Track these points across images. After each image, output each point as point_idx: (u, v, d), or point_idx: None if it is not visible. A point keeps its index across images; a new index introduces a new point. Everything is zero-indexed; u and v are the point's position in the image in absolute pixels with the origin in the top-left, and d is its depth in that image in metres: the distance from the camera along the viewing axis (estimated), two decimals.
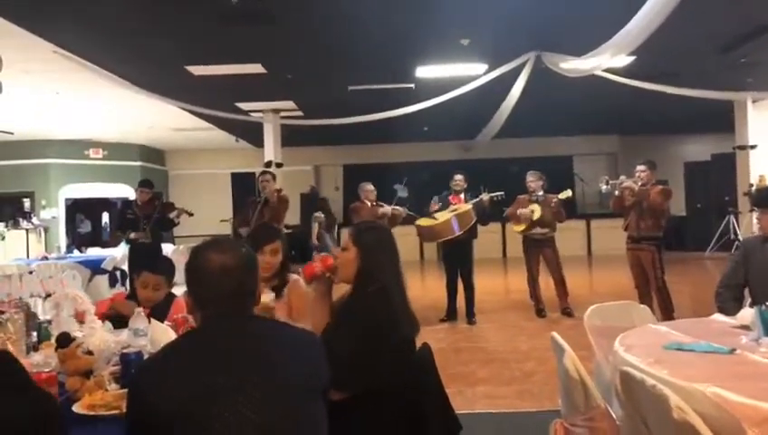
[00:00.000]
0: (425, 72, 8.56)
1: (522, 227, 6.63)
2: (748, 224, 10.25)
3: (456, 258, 6.40)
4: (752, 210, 2.53)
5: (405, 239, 8.31)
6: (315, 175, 15.55)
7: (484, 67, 8.37)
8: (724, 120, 11.34)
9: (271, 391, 1.31)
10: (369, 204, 6.67)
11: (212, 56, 7.04)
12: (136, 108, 9.48)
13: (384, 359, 1.93)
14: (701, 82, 8.61)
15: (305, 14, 5.82)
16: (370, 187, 6.77)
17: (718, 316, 2.52)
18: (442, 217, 6.26)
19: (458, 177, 6.54)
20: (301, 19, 5.96)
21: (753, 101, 10.93)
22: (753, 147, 11.03)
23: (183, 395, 1.26)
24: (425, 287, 9.46)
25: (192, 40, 6.47)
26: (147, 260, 3.20)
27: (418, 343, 2.16)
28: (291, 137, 11.23)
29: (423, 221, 6.47)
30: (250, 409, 1.26)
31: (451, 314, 6.43)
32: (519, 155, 13.60)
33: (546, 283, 6.79)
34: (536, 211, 6.47)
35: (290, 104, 10.17)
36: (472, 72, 8.45)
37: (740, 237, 10.63)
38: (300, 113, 10.73)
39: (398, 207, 6.76)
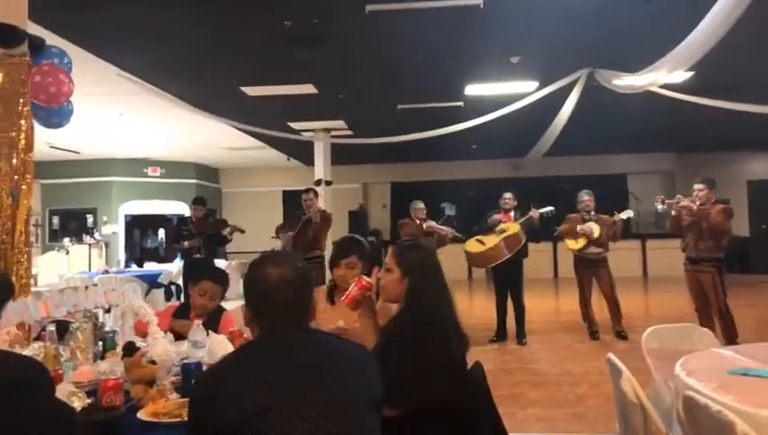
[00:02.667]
0: (474, 90, 8.56)
1: (578, 246, 6.48)
2: None
3: (506, 277, 6.32)
4: None
5: (453, 258, 8.29)
6: (363, 192, 15.70)
7: (535, 84, 8.30)
8: None
9: (329, 403, 1.33)
10: (417, 221, 6.69)
11: (266, 77, 7.26)
12: (192, 128, 9.86)
13: (435, 375, 1.92)
14: (762, 96, 8.27)
15: (356, 35, 5.94)
16: (421, 205, 6.79)
17: None
18: (490, 241, 6.17)
19: (507, 195, 6.48)
20: (351, 40, 6.09)
21: None
22: None
23: (242, 406, 1.29)
24: (473, 307, 9.35)
25: (247, 62, 6.70)
26: (206, 269, 3.31)
27: (469, 362, 2.14)
28: (340, 155, 11.40)
29: (471, 247, 6.36)
30: (308, 421, 1.29)
31: (501, 335, 6.34)
32: (570, 173, 13.36)
33: (599, 304, 6.62)
34: (596, 230, 6.33)
35: (340, 123, 10.34)
36: (522, 90, 8.40)
37: None
38: (349, 132, 10.89)
39: (444, 227, 6.73)
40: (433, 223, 6.71)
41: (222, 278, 3.04)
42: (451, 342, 2.04)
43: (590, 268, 6.48)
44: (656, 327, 2.73)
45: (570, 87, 8.20)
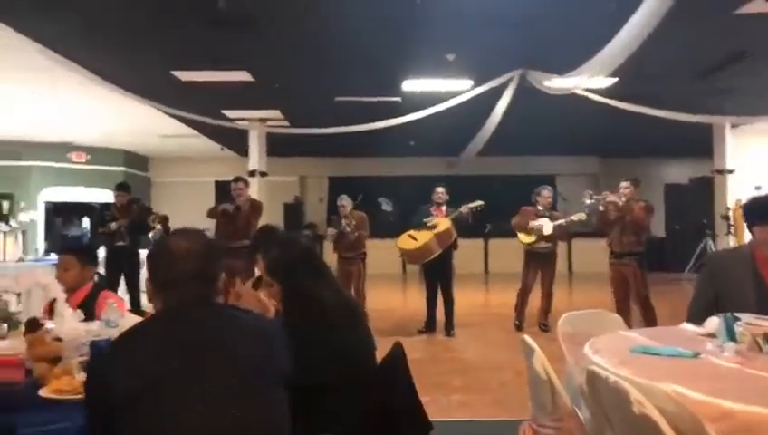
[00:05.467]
0: (411, 85, 8.65)
1: (530, 239, 6.64)
2: (725, 246, 10.44)
3: (436, 271, 6.43)
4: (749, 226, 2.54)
5: (387, 253, 8.36)
6: (300, 185, 15.56)
7: (470, 83, 8.48)
8: (703, 144, 11.59)
9: (228, 377, 1.30)
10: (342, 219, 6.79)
11: (199, 61, 7.05)
12: (120, 112, 9.45)
13: (319, 354, 1.90)
14: (680, 105, 8.80)
15: (293, 22, 5.87)
16: (344, 201, 6.85)
17: (687, 325, 2.56)
18: (422, 237, 6.24)
19: (440, 189, 6.60)
20: (288, 27, 6.01)
21: (732, 126, 11.19)
22: (730, 171, 11.26)
23: (138, 380, 1.25)
24: (406, 299, 9.48)
25: (178, 43, 6.47)
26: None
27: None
28: (276, 147, 11.25)
29: (404, 243, 6.42)
30: (210, 395, 1.26)
31: (430, 326, 6.46)
32: (503, 172, 13.75)
33: (532, 298, 6.81)
34: (547, 227, 6.51)
35: (276, 113, 10.21)
36: (458, 88, 8.56)
37: None
38: (286, 123, 10.76)
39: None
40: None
41: (74, 247, 2.96)
42: (331, 318, 2.02)
43: (539, 261, 6.66)
44: (570, 313, 2.86)
45: (503, 87, 8.43)
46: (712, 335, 2.22)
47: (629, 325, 4.47)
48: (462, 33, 6.49)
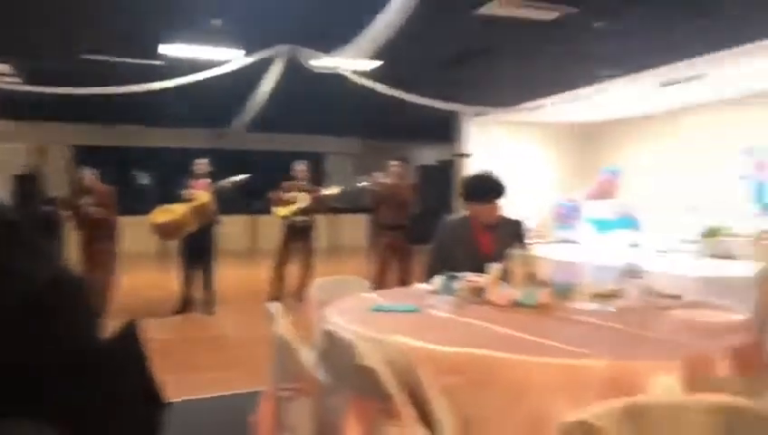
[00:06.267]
0: (174, 50, 8.04)
1: (286, 212, 6.65)
2: None
3: (195, 248, 6.13)
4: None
5: (143, 230, 7.69)
6: (38, 154, 13.48)
7: (241, 53, 8.23)
8: (449, 129, 13.04)
9: None
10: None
11: None
12: None
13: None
14: (433, 93, 9.73)
15: None
16: (84, 174, 6.11)
17: (419, 284, 2.85)
18: (178, 210, 5.88)
19: (200, 161, 6.29)
20: None
21: (476, 115, 12.78)
22: (468, 155, 12.89)
23: None
24: (165, 279, 8.90)
25: None
26: None
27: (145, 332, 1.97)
28: (6, 108, 9.56)
29: (158, 217, 5.95)
30: None
31: (187, 306, 6.15)
32: (272, 148, 13.69)
33: (290, 271, 6.91)
34: (303, 199, 6.57)
35: (5, 67, 8.64)
36: (227, 57, 8.24)
37: None
38: (18, 80, 9.18)
39: None
40: None
41: None
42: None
43: (298, 234, 6.73)
44: (321, 279, 2.96)
45: (271, 61, 8.35)
46: (436, 292, 2.49)
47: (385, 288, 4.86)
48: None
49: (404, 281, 6.16)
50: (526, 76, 9.81)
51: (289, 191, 6.66)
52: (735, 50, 7.90)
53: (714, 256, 10.51)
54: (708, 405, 1.09)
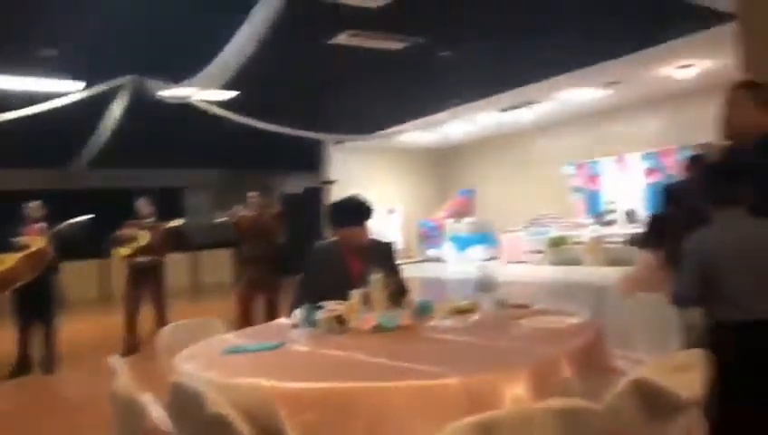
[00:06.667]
0: None
1: (126, 252, 6.15)
2: None
3: (32, 300, 5.43)
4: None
5: None
6: None
7: (81, 85, 7.65)
8: (313, 157, 13.06)
9: None
10: None
11: None
12: None
13: None
14: (294, 122, 9.68)
15: None
16: None
17: (282, 319, 2.74)
18: (10, 259, 5.22)
19: (32, 204, 5.65)
20: None
21: (335, 144, 12.93)
22: (332, 182, 13.00)
23: None
24: None
25: None
26: None
27: None
28: None
29: None
30: None
31: (23, 368, 5.42)
32: (122, 186, 12.74)
33: (145, 315, 6.39)
34: (144, 236, 6.12)
35: None
36: (66, 89, 7.64)
37: None
38: None
39: None
40: None
41: None
42: None
43: (143, 275, 6.26)
44: (172, 325, 2.75)
45: (116, 92, 7.87)
46: (298, 325, 2.41)
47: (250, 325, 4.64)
48: (63, 25, 5.74)
49: (272, 317, 5.92)
50: (380, 104, 10.16)
51: (130, 229, 6.21)
52: (562, 77, 8.81)
53: (559, 263, 11.49)
54: (553, 411, 1.13)
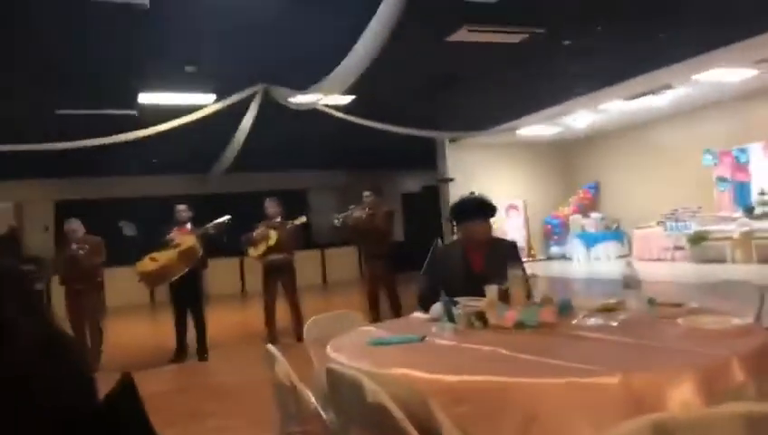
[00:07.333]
0: (147, 98, 8.07)
1: (258, 252, 6.58)
2: None
3: (184, 293, 6.03)
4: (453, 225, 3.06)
5: (131, 282, 7.51)
6: (16, 213, 13.30)
7: (213, 97, 8.25)
8: (431, 156, 13.12)
9: None
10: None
11: None
12: None
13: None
14: (409, 122, 9.81)
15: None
16: (73, 225, 6.01)
17: (417, 314, 2.80)
18: (164, 257, 5.81)
19: (181, 206, 6.25)
20: None
21: (450, 141, 12.89)
22: (450, 180, 12.95)
23: None
24: (156, 329, 8.74)
25: None
26: None
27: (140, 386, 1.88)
28: None
29: (144, 266, 5.88)
30: None
31: (180, 355, 6.02)
32: (255, 189, 13.63)
33: (282, 310, 6.81)
34: (272, 236, 6.51)
35: None
36: (200, 102, 8.26)
37: None
38: None
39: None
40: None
41: None
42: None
43: (276, 273, 6.63)
44: (315, 317, 2.89)
45: (248, 102, 8.38)
46: (436, 320, 2.44)
47: (378, 319, 4.82)
48: (200, 43, 6.26)
49: (395, 310, 6.13)
50: (499, 98, 9.96)
51: (260, 229, 6.61)
52: (703, 57, 8.10)
53: (702, 260, 10.59)
54: (735, 415, 1.06)
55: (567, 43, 7.34)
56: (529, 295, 2.58)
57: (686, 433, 1.06)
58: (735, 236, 10.16)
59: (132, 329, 8.74)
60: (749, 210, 10.56)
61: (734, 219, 10.55)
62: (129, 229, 13.04)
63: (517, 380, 1.58)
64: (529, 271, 2.98)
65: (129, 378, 1.92)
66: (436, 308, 2.50)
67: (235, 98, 7.94)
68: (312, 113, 8.62)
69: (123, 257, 7.75)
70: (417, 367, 1.76)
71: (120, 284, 9.69)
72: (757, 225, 10.05)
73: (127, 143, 8.30)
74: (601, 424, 1.46)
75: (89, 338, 5.83)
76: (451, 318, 2.33)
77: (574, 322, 2.25)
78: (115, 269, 8.44)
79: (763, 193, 10.52)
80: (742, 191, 11.01)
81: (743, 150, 10.96)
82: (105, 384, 1.49)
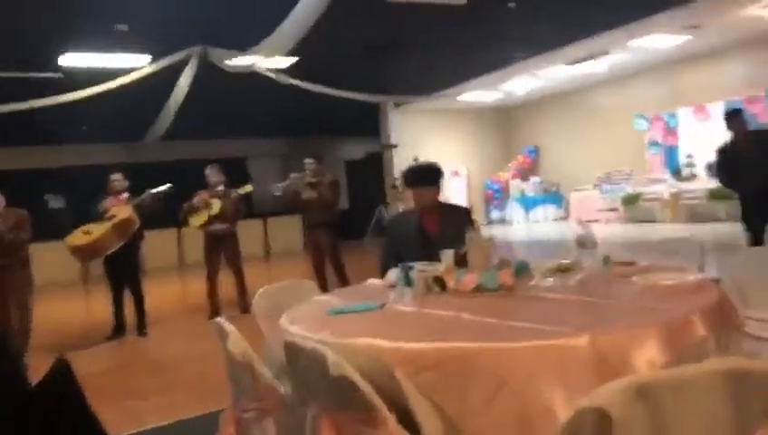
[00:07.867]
0: (73, 59, 7.52)
1: (200, 221, 6.34)
2: (395, 212, 11.93)
3: (120, 267, 5.72)
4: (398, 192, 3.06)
5: (60, 256, 7.09)
6: None
7: (147, 58, 7.79)
8: (375, 122, 12.97)
9: None
10: None
11: None
12: None
13: None
14: (352, 86, 9.62)
15: None
16: None
17: (372, 281, 2.73)
18: (99, 230, 5.47)
19: (115, 176, 5.88)
20: None
21: (395, 105, 12.78)
22: (394, 146, 12.88)
23: None
24: (89, 306, 8.36)
25: None
26: None
27: (76, 366, 1.73)
28: None
29: (76, 239, 5.50)
30: None
31: (119, 331, 5.76)
32: (191, 157, 13.12)
33: (225, 282, 6.62)
34: (215, 204, 6.27)
35: None
36: (134, 64, 7.80)
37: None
38: None
39: None
40: None
41: None
42: None
43: (219, 243, 6.42)
44: (265, 287, 2.78)
45: (183, 64, 7.97)
46: (393, 286, 2.38)
47: (326, 289, 4.73)
48: (133, 0, 5.84)
49: (341, 279, 6.05)
50: (441, 63, 9.90)
51: (201, 198, 6.35)
52: (637, 23, 8.29)
53: (634, 220, 11.05)
54: (716, 372, 1.04)
55: (512, 5, 7.32)
56: (488, 258, 2.55)
57: (668, 393, 1.03)
58: (665, 196, 10.64)
59: (65, 307, 8.31)
60: (677, 173, 11.08)
61: (663, 181, 11.04)
62: (55, 202, 12.32)
63: (485, 345, 1.53)
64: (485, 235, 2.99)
65: (64, 360, 1.76)
66: (393, 274, 2.44)
67: (169, 60, 7.52)
68: (252, 77, 8.29)
69: (53, 232, 7.30)
70: (381, 335, 1.70)
71: (48, 258, 9.16)
72: (684, 186, 10.56)
73: (52, 109, 7.75)
74: (571, 386, 1.44)
75: (15, 318, 5.46)
76: (408, 282, 2.27)
77: (532, 283, 2.24)
78: (44, 244, 7.95)
79: (689, 156, 11.04)
80: (671, 154, 11.51)
81: (673, 115, 11.41)
82: (38, 366, 1.35)
